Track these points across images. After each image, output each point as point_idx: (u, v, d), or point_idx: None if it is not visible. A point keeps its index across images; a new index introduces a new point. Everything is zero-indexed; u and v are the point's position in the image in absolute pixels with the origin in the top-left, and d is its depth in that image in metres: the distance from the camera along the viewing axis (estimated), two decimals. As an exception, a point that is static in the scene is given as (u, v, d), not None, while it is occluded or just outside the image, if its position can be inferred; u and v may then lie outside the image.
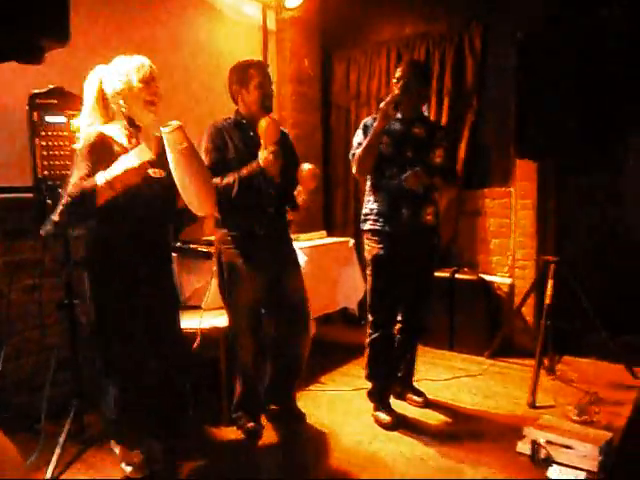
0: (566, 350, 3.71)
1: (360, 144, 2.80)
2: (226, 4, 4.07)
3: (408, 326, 3.00)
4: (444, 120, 4.08)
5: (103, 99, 2.18)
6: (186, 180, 2.14)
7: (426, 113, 4.20)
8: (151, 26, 3.50)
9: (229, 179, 2.52)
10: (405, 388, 3.15)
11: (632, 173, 3.87)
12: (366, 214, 2.91)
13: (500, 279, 4.00)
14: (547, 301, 3.24)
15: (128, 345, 2.26)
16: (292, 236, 3.81)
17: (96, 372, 2.32)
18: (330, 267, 3.83)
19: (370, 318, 2.88)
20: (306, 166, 2.64)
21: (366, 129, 2.82)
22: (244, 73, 2.62)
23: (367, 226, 2.89)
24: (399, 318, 2.99)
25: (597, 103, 3.08)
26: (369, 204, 2.91)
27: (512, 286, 3.98)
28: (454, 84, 4.06)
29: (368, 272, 2.88)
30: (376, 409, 2.90)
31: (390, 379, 2.97)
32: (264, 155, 2.48)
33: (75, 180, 2.07)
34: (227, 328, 2.78)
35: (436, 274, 3.99)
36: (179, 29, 3.73)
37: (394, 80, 2.82)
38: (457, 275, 4.01)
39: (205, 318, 2.80)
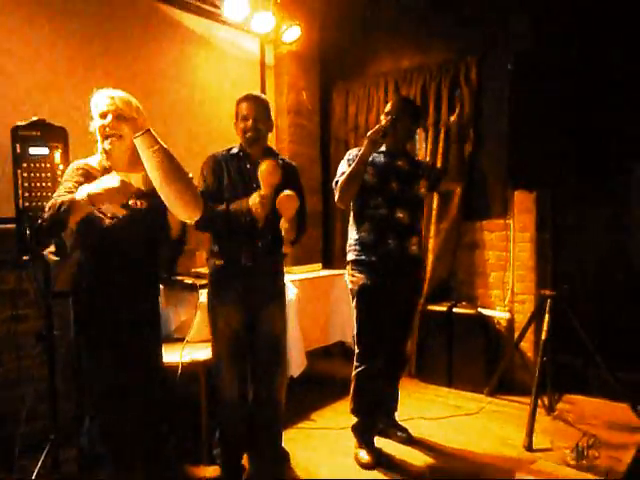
0: (568, 388, 3.56)
1: (344, 173, 2.78)
2: (224, 39, 4.13)
3: (391, 359, 2.94)
4: (440, 151, 4.04)
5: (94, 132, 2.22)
6: (164, 183, 2.06)
7: (424, 144, 4.20)
8: (147, 61, 3.56)
9: (219, 208, 2.51)
10: (388, 424, 3.06)
11: (635, 203, 3.77)
12: (351, 245, 2.89)
13: (499, 313, 3.88)
14: (543, 336, 3.11)
15: (109, 379, 2.22)
16: (285, 269, 3.81)
17: (74, 405, 2.29)
18: (324, 300, 3.76)
19: (357, 350, 2.82)
20: (284, 192, 2.46)
21: (350, 160, 2.81)
22: (236, 107, 2.64)
23: (351, 256, 2.86)
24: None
25: (593, 132, 3.04)
26: (353, 234, 2.88)
27: (511, 321, 3.85)
28: (451, 115, 4.03)
29: (354, 304, 2.84)
30: (358, 446, 2.82)
31: (375, 415, 2.89)
32: (256, 197, 2.43)
33: (55, 195, 2.08)
34: (209, 361, 2.73)
35: (433, 308, 3.98)
36: (177, 64, 3.79)
37: (382, 116, 2.83)
38: (455, 309, 3.90)
39: (187, 351, 2.76)
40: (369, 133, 2.69)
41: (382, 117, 2.83)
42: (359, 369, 2.81)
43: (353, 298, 2.86)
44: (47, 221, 2.02)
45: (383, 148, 2.84)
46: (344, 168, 2.82)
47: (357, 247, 2.84)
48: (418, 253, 2.89)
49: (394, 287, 2.80)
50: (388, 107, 2.84)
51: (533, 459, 2.72)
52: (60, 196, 2.04)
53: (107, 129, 2.14)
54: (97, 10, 3.25)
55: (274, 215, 2.49)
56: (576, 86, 2.97)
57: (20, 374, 2.81)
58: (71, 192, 2.05)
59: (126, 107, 2.18)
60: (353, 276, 2.84)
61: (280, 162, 2.68)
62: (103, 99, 2.16)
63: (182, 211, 2.15)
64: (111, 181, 1.99)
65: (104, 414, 2.24)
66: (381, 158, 2.84)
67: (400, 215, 2.78)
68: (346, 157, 2.87)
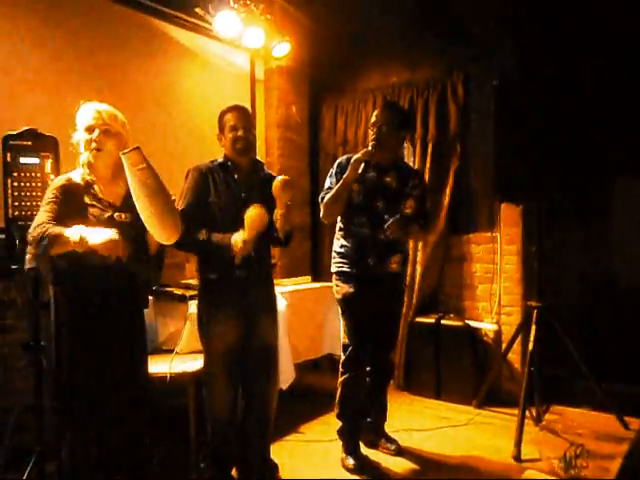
0: (555, 398, 3.58)
1: (330, 188, 2.81)
2: (215, 54, 4.18)
3: (376, 369, 2.99)
4: (428, 165, 4.10)
5: (77, 145, 2.22)
6: (147, 203, 2.07)
7: (412, 159, 4.26)
8: (138, 73, 3.59)
9: (199, 236, 2.46)
10: (378, 435, 3.07)
11: (619, 217, 3.84)
12: (334, 257, 2.94)
13: (486, 325, 3.92)
14: (530, 347, 3.15)
15: (89, 391, 2.19)
16: (275, 281, 3.81)
17: (56, 418, 2.25)
18: (314, 312, 3.77)
19: (342, 357, 2.87)
20: (279, 177, 2.47)
21: (339, 170, 2.83)
22: (221, 119, 2.63)
23: (335, 268, 2.92)
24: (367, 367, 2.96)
25: (577, 147, 3.11)
26: (337, 247, 2.93)
27: (498, 332, 3.88)
28: (438, 130, 4.09)
29: (340, 312, 2.91)
30: (345, 451, 2.87)
31: (359, 420, 2.94)
32: (238, 240, 2.39)
33: (41, 220, 2.08)
34: (199, 373, 2.71)
35: (421, 320, 4.00)
36: (168, 79, 3.82)
37: (370, 125, 2.84)
38: (443, 321, 3.92)
39: (176, 363, 2.75)
40: (353, 159, 2.71)
41: (370, 129, 2.82)
42: (345, 376, 2.86)
43: (339, 307, 2.92)
44: (34, 248, 2.02)
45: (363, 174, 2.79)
46: (331, 182, 2.84)
47: (340, 259, 2.89)
48: (398, 270, 2.91)
49: (374, 298, 2.84)
50: (374, 118, 2.83)
51: (522, 469, 2.73)
52: (46, 223, 2.03)
53: (94, 143, 2.15)
54: (89, 22, 3.28)
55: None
56: (561, 101, 3.05)
57: (6, 386, 2.77)
58: (54, 216, 2.06)
59: (113, 122, 2.20)
60: (337, 286, 2.90)
61: (265, 174, 2.70)
62: (90, 112, 2.17)
63: (160, 233, 2.15)
64: (108, 242, 1.99)
65: (85, 427, 2.20)
66: (370, 173, 2.82)
67: (382, 236, 2.78)
68: (334, 168, 2.88)
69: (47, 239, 1.99)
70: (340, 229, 2.93)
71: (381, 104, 2.96)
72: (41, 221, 2.08)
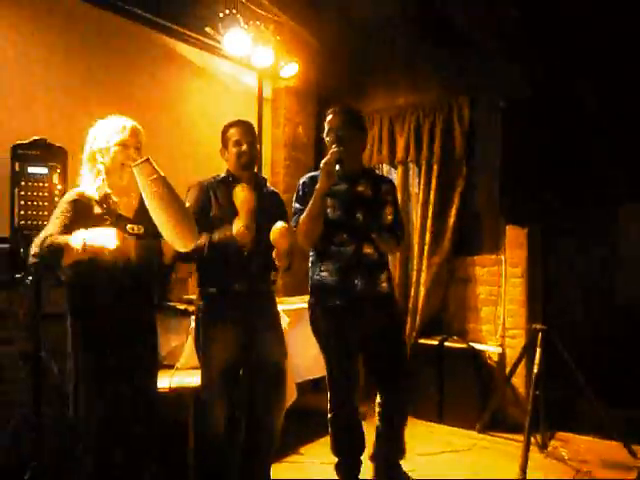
0: (560, 424, 3.52)
1: (301, 209, 2.55)
2: (224, 73, 4.23)
3: (387, 411, 2.68)
4: (433, 187, 4.11)
5: (93, 156, 2.18)
6: (162, 213, 2.08)
7: (417, 180, 4.26)
8: (146, 90, 3.62)
9: (201, 240, 2.43)
10: (392, 476, 2.77)
11: (625, 238, 3.84)
12: (313, 286, 2.65)
13: (490, 348, 3.88)
14: (535, 371, 3.10)
15: (104, 408, 2.14)
16: (277, 299, 3.79)
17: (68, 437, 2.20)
18: (316, 331, 3.72)
19: (328, 394, 2.66)
20: (277, 224, 2.43)
21: (307, 189, 2.59)
22: (225, 133, 2.66)
23: (313, 300, 2.65)
24: (378, 400, 2.69)
25: (584, 169, 3.12)
26: (316, 275, 2.63)
27: (502, 355, 3.84)
28: (443, 152, 4.11)
29: (321, 350, 2.66)
30: None
31: (356, 454, 2.69)
32: (240, 226, 2.40)
33: (48, 232, 2.05)
34: (199, 390, 2.67)
35: (424, 342, 3.96)
36: (177, 95, 3.86)
37: (325, 133, 2.61)
38: (446, 343, 3.88)
39: (176, 378, 2.71)
40: (322, 164, 2.44)
41: (326, 137, 2.60)
42: (331, 415, 2.66)
43: (319, 344, 2.66)
44: (37, 259, 1.99)
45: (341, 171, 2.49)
46: (301, 205, 2.59)
47: (319, 290, 2.61)
48: (389, 291, 2.65)
49: (366, 331, 2.59)
50: (327, 125, 2.60)
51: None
52: (52, 235, 2.00)
53: (129, 160, 2.11)
54: (101, 38, 3.32)
55: (264, 239, 2.47)
56: (567, 124, 3.07)
57: (5, 398, 2.74)
58: (62, 231, 2.02)
59: (142, 138, 2.21)
60: (315, 321, 2.64)
61: (267, 190, 2.71)
62: (128, 130, 2.16)
63: (178, 240, 2.15)
64: (109, 239, 1.96)
65: (99, 449, 2.14)
66: (341, 185, 2.57)
67: (368, 250, 2.56)
68: (300, 190, 2.64)
69: (52, 247, 1.96)
70: (315, 252, 2.65)
71: (333, 109, 2.66)
72: (48, 233, 2.04)
